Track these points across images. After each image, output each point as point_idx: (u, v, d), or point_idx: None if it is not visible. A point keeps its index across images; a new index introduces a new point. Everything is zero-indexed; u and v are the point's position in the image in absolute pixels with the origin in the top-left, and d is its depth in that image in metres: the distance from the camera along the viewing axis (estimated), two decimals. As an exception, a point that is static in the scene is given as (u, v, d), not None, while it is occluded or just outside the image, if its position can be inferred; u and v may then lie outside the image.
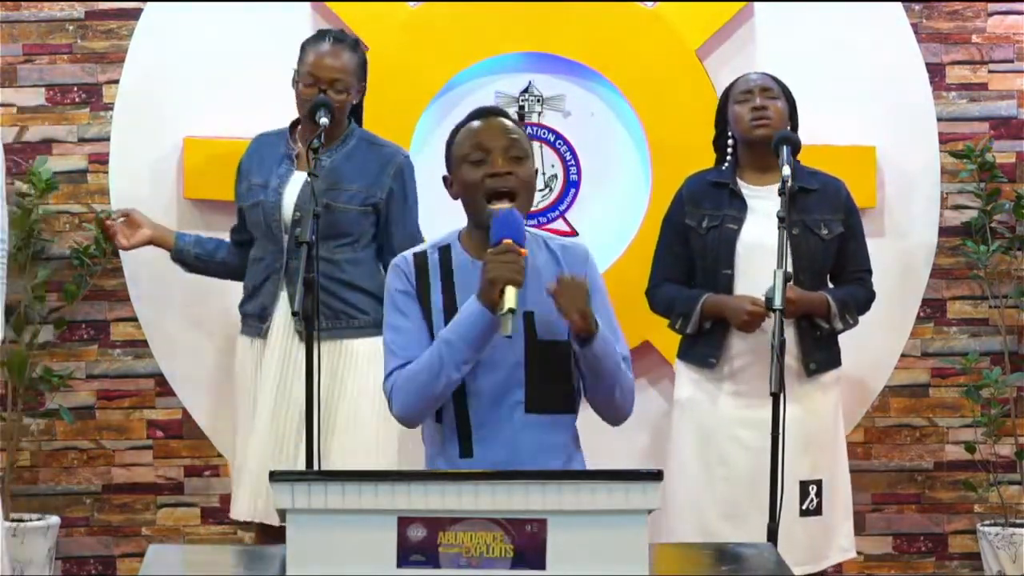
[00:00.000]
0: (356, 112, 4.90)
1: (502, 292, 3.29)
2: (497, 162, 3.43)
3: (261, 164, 4.84)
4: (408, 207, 4.85)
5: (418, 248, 3.58)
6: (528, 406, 3.45)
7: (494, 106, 3.56)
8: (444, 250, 3.53)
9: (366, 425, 4.76)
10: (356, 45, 4.84)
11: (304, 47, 4.81)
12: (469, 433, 3.45)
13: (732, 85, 4.84)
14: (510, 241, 3.33)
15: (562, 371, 3.48)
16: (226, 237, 5.03)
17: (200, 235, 5.05)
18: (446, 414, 3.47)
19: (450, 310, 3.45)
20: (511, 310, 3.26)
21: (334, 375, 4.74)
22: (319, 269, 4.58)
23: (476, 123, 3.51)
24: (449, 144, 3.55)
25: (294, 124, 4.90)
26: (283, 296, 4.72)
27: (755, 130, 4.71)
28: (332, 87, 4.71)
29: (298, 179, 4.73)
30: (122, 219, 5.00)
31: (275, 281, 4.76)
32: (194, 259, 4.98)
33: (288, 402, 4.71)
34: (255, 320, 4.81)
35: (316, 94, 4.69)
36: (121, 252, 5.42)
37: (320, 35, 4.84)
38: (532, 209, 5.48)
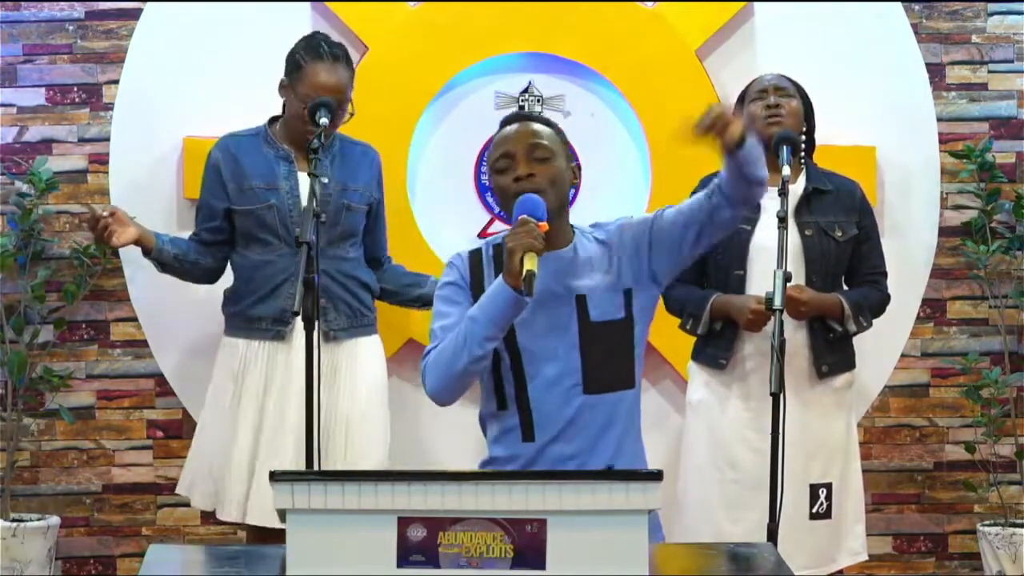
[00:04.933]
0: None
1: (522, 261, 3.40)
2: (520, 166, 3.56)
3: (254, 166, 4.80)
4: (383, 204, 5.00)
5: (475, 246, 3.71)
6: (586, 388, 3.58)
7: (520, 111, 3.68)
8: (497, 246, 3.66)
9: (376, 420, 4.87)
10: (349, 58, 4.82)
11: (301, 61, 4.75)
12: (530, 417, 3.58)
13: (748, 86, 4.84)
14: (526, 216, 3.45)
15: (618, 349, 3.61)
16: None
17: (173, 236, 4.92)
18: (509, 400, 3.60)
19: None
20: (531, 272, 3.38)
21: (353, 373, 4.80)
22: (336, 270, 4.75)
23: (502, 131, 3.65)
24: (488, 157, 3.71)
25: (269, 123, 4.88)
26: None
27: (768, 127, 4.69)
28: (338, 106, 4.68)
29: (306, 180, 4.69)
30: (110, 217, 4.73)
31: (294, 283, 4.71)
32: (172, 259, 4.84)
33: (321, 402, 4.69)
34: (270, 323, 4.79)
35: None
36: (121, 252, 5.41)
37: (315, 49, 4.76)
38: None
